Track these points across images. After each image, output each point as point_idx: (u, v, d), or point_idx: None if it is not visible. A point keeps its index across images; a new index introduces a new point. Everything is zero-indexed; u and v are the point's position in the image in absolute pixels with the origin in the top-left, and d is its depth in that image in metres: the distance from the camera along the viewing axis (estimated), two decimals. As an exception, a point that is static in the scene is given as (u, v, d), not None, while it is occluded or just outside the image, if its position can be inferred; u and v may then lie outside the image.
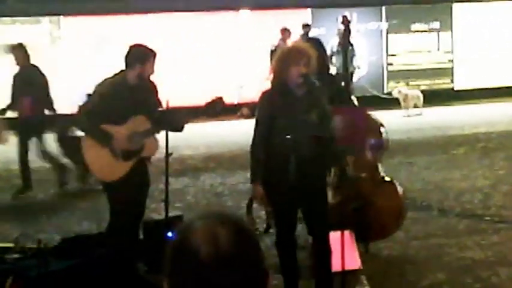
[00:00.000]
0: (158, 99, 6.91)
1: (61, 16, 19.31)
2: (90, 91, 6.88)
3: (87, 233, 8.24)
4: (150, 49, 6.80)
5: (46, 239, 7.91)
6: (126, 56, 6.72)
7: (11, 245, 7.34)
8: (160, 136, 6.71)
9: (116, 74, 6.77)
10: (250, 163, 6.20)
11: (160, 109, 6.86)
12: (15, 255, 7.08)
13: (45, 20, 19.25)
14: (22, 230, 8.67)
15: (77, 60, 18.97)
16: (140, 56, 6.68)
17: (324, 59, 7.64)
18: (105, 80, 6.80)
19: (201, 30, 20.01)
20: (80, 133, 7.36)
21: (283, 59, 6.13)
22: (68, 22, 19.41)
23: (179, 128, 6.74)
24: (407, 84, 20.59)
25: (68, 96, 17.61)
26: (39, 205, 10.52)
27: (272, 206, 6.30)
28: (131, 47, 6.80)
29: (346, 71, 8.37)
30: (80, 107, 6.83)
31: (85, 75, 17.61)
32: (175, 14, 19.85)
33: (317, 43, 7.64)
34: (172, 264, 1.95)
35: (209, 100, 6.67)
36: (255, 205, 8.08)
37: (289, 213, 6.18)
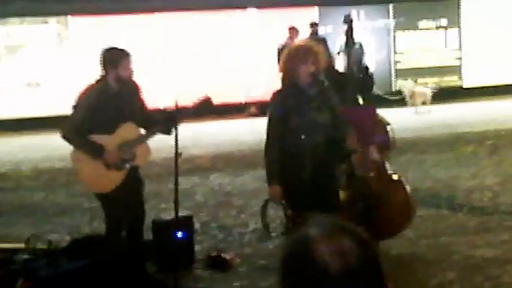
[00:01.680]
0: (141, 99, 6.82)
1: (69, 16, 19.34)
2: (75, 101, 6.67)
3: (98, 233, 8.26)
4: (122, 50, 6.68)
5: (56, 239, 7.96)
6: (100, 62, 6.62)
7: (21, 245, 7.36)
8: (170, 136, 6.69)
9: (98, 80, 6.64)
10: (265, 164, 6.16)
11: (147, 112, 6.81)
12: (26, 256, 7.10)
13: (53, 20, 19.28)
14: (33, 231, 8.70)
15: (85, 60, 18.99)
16: (112, 60, 6.56)
17: (329, 57, 7.66)
18: (87, 89, 6.65)
19: (208, 29, 20.02)
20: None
21: (291, 58, 6.11)
22: (75, 22, 19.44)
23: (168, 132, 6.61)
24: (415, 81, 20.56)
25: (75, 97, 17.62)
26: (49, 206, 10.53)
27: (290, 206, 6.29)
28: (102, 52, 6.67)
29: (350, 70, 8.36)
30: (67, 122, 6.64)
31: (93, 75, 17.62)
32: (182, 13, 19.85)
33: (322, 42, 7.66)
34: (292, 277, 1.84)
35: (197, 100, 6.63)
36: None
37: (305, 213, 6.17)
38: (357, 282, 1.80)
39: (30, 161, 14.02)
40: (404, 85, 19.64)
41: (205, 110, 6.61)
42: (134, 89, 6.75)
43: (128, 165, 6.61)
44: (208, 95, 6.70)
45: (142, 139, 6.66)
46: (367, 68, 7.88)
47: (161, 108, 8.24)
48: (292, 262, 1.84)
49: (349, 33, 8.65)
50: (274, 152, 6.07)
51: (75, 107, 6.60)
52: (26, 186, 11.42)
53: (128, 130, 6.59)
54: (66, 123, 6.63)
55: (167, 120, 6.54)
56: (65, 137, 6.52)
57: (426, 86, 20.09)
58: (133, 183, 6.71)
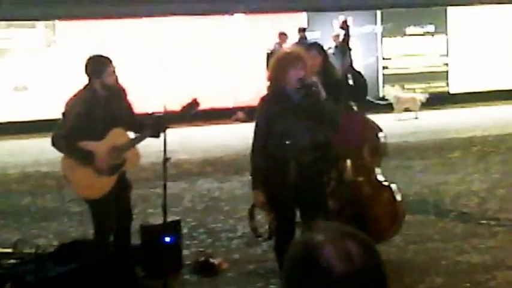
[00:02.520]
0: (128, 102, 6.83)
1: (56, 21, 19.31)
2: (63, 108, 6.69)
3: (85, 237, 8.24)
4: (104, 57, 6.70)
5: (44, 244, 7.93)
6: (85, 71, 6.63)
7: (9, 250, 7.33)
8: (158, 141, 6.69)
9: (85, 86, 6.63)
10: (250, 170, 6.22)
11: (135, 116, 6.82)
12: (13, 261, 7.08)
13: (41, 24, 19.24)
14: (20, 235, 8.68)
15: (72, 64, 18.95)
16: (95, 68, 6.59)
17: (328, 62, 7.67)
18: (75, 96, 6.66)
19: (195, 34, 20.02)
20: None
21: (280, 64, 6.14)
22: (63, 26, 19.41)
23: (156, 135, 6.62)
24: (402, 87, 20.63)
25: (63, 101, 17.58)
26: (36, 210, 10.50)
27: (272, 211, 6.31)
28: (86, 61, 6.69)
29: (344, 76, 8.38)
30: (56, 130, 6.63)
31: (80, 79, 17.59)
32: (169, 18, 19.85)
33: (319, 48, 7.69)
34: (297, 281, 1.86)
35: (185, 104, 6.65)
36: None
37: (288, 218, 6.20)
38: (361, 285, 1.83)
39: (17, 165, 13.98)
40: (389, 92, 19.64)
41: (191, 111, 6.64)
42: (120, 93, 6.77)
43: (118, 171, 6.62)
44: (195, 98, 6.73)
45: (131, 144, 6.68)
46: (359, 73, 7.89)
47: (149, 112, 8.23)
48: (297, 266, 1.86)
49: (346, 38, 8.67)
50: (259, 157, 6.11)
51: (63, 114, 6.60)
52: (13, 190, 11.39)
53: (117, 135, 6.61)
54: (55, 130, 6.63)
55: (155, 123, 6.56)
56: (54, 145, 6.52)
57: (416, 93, 20.15)
58: (122, 187, 6.73)
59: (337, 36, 18.98)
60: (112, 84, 6.61)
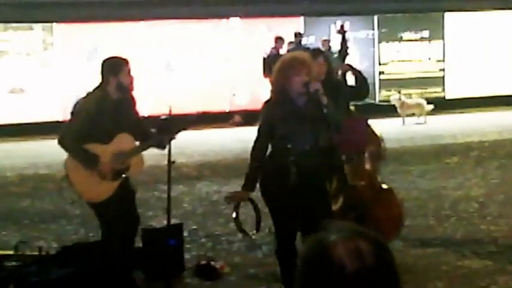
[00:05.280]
0: (137, 112, 6.85)
1: (54, 23, 19.31)
2: (72, 108, 6.72)
3: (85, 240, 8.25)
4: (121, 58, 6.72)
5: (43, 246, 7.92)
6: (101, 72, 6.63)
7: (10, 252, 7.34)
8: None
9: (96, 88, 6.63)
10: (247, 170, 6.24)
11: (143, 125, 6.83)
12: (15, 263, 7.09)
13: (38, 26, 19.23)
14: (19, 238, 8.67)
15: (70, 67, 18.97)
16: (112, 68, 6.58)
17: (331, 68, 7.69)
18: (87, 96, 6.67)
19: (192, 38, 20.04)
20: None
21: (285, 69, 6.14)
22: (60, 29, 19.41)
23: (162, 146, 6.64)
24: (398, 93, 20.66)
25: (60, 103, 17.63)
26: (35, 212, 10.49)
27: (272, 215, 6.32)
28: (103, 61, 6.71)
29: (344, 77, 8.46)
30: (64, 129, 6.64)
31: (77, 82, 17.62)
32: (167, 21, 19.86)
33: (324, 55, 7.72)
34: (310, 279, 1.88)
35: (196, 112, 6.72)
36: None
37: (289, 222, 6.20)
38: (373, 284, 1.85)
39: (15, 168, 13.96)
40: (398, 97, 19.55)
41: (196, 123, 6.73)
42: (131, 101, 6.77)
43: (122, 176, 6.61)
44: (199, 112, 6.82)
45: (137, 150, 6.67)
46: (360, 72, 7.92)
47: (146, 115, 8.23)
48: (310, 264, 1.89)
49: (343, 42, 8.72)
50: (257, 161, 6.13)
51: (72, 114, 6.60)
52: (11, 193, 11.37)
53: (124, 140, 6.60)
54: (63, 129, 6.63)
55: (162, 133, 6.59)
56: (61, 144, 6.51)
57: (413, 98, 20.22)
58: (125, 192, 6.71)
59: (327, 41, 19.07)
60: (127, 85, 6.60)
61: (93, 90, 6.64)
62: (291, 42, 18.63)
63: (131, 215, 6.81)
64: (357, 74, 7.78)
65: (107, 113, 6.50)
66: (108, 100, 6.55)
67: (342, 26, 9.38)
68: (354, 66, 8.26)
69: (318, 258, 1.87)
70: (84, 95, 6.76)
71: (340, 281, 1.83)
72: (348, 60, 16.73)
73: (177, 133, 6.55)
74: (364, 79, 7.79)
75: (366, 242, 1.87)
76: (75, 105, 6.68)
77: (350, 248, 1.85)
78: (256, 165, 6.14)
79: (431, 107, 18.97)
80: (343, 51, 8.89)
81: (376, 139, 7.72)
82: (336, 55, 13.36)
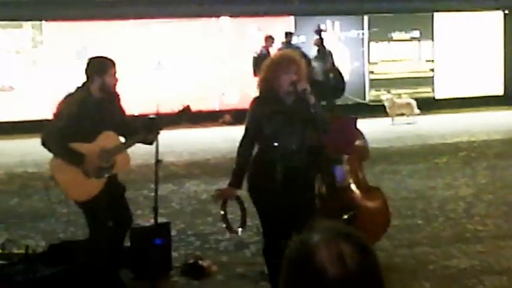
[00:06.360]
0: (121, 107, 6.80)
1: (43, 21, 19.27)
2: (55, 109, 6.61)
3: (72, 239, 8.22)
4: (108, 59, 6.66)
5: (31, 245, 7.90)
6: (86, 70, 6.59)
7: (-4, 250, 7.32)
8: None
9: (79, 88, 6.59)
10: (234, 167, 6.22)
11: (127, 121, 6.80)
12: (2, 261, 7.06)
13: (28, 24, 19.19)
14: (7, 236, 8.65)
15: (59, 65, 18.92)
16: (98, 68, 6.54)
17: (310, 68, 7.71)
18: (68, 96, 6.60)
19: (182, 37, 20.02)
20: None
21: (273, 67, 6.14)
22: (50, 27, 19.37)
23: (149, 142, 6.61)
24: (388, 92, 20.70)
25: (49, 101, 17.57)
26: (23, 211, 10.46)
27: (259, 214, 6.32)
28: (89, 60, 6.66)
29: (325, 78, 8.51)
30: (47, 129, 6.56)
31: (67, 80, 17.58)
32: (157, 20, 19.84)
33: (300, 51, 7.73)
34: (292, 281, 1.86)
35: (177, 109, 6.65)
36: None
37: (276, 221, 6.19)
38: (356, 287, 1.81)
39: (3, 166, 13.93)
40: (387, 97, 19.58)
41: (185, 118, 6.64)
42: (115, 97, 6.73)
43: (107, 174, 6.59)
44: (187, 104, 6.74)
45: (122, 147, 6.64)
46: (338, 71, 7.94)
47: (135, 114, 8.20)
48: (292, 267, 1.86)
49: (321, 42, 8.75)
50: (244, 159, 6.12)
51: (55, 114, 6.55)
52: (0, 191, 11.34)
53: (108, 138, 6.57)
54: (46, 129, 6.58)
55: (147, 129, 6.54)
56: (44, 144, 6.46)
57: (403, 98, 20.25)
58: (114, 190, 6.69)
59: (320, 40, 19.10)
60: (111, 86, 6.58)
61: (76, 90, 6.59)
62: (283, 42, 18.63)
63: (121, 213, 6.79)
64: (336, 73, 7.80)
65: (90, 112, 6.47)
66: (91, 99, 6.52)
67: (318, 26, 9.45)
68: (344, 65, 8.29)
69: (300, 261, 1.84)
70: (66, 95, 6.70)
71: (321, 285, 1.80)
72: (338, 60, 16.96)
73: (163, 128, 6.51)
74: (342, 78, 7.81)
75: (349, 245, 1.83)
76: (57, 105, 6.62)
77: (332, 252, 1.81)
78: (243, 161, 6.13)
79: (418, 111, 19.05)
80: (322, 52, 8.93)
81: (361, 138, 7.76)
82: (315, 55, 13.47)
